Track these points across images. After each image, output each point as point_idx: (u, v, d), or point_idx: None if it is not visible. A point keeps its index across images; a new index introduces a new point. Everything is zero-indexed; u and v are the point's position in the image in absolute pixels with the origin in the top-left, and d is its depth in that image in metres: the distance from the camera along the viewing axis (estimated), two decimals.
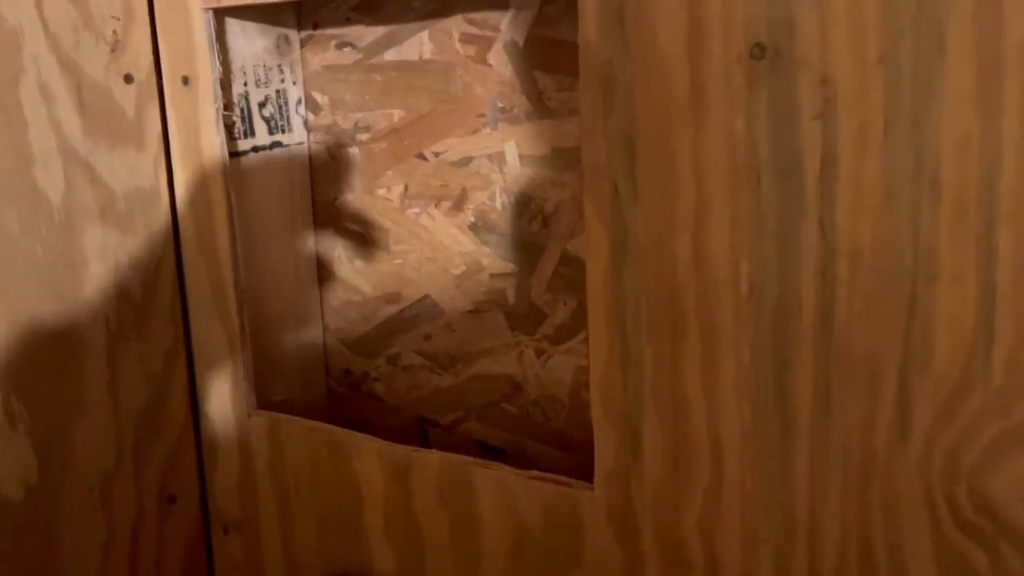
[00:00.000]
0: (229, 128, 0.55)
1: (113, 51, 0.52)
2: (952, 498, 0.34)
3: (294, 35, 0.59)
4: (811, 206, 0.35)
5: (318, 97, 0.60)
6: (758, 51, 0.35)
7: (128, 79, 0.53)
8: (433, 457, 0.49)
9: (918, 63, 0.32)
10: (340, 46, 0.58)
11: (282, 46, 0.59)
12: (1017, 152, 0.31)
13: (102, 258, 0.52)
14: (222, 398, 0.57)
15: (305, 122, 0.61)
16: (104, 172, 0.52)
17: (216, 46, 0.53)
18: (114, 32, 0.52)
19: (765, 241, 0.36)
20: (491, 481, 0.46)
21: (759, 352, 0.37)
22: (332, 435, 0.53)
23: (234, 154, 0.55)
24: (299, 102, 0.60)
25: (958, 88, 0.31)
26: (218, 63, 0.53)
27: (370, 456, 0.51)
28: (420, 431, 0.60)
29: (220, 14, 0.53)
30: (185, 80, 0.53)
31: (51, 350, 0.50)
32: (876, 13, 0.32)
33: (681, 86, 0.37)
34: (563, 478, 0.44)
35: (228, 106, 0.55)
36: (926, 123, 0.32)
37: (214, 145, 0.54)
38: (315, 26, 0.59)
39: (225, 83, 0.54)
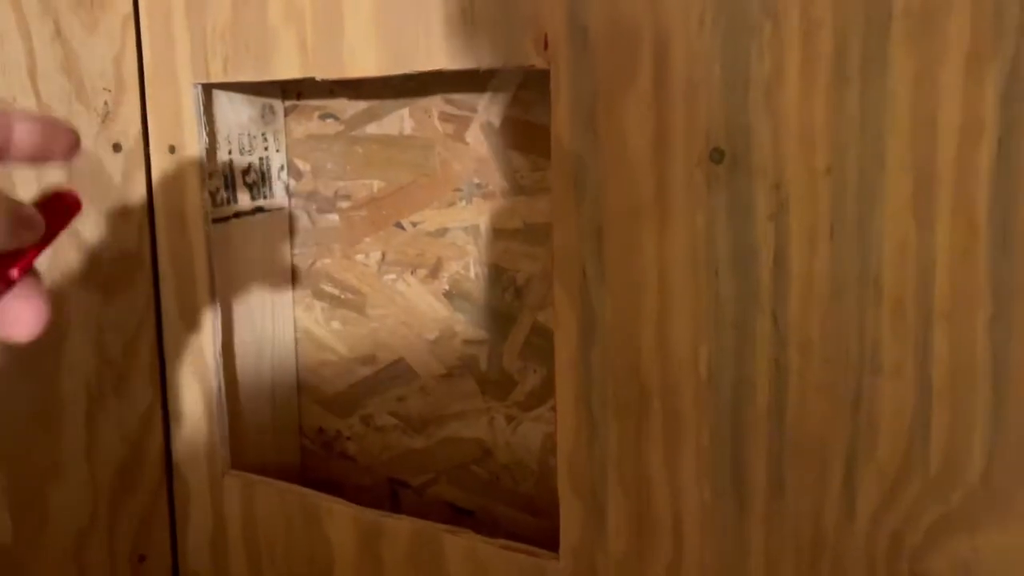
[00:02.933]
0: (212, 195, 0.57)
1: (103, 121, 0.53)
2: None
3: (279, 105, 0.62)
4: (765, 299, 0.37)
5: (300, 164, 0.62)
6: (717, 155, 0.38)
7: (116, 148, 0.54)
8: (404, 523, 0.50)
9: (862, 174, 0.35)
10: (323, 117, 0.61)
11: (267, 115, 0.61)
12: (950, 257, 0.34)
13: (85, 322, 0.53)
14: (197, 458, 0.58)
15: (287, 188, 0.63)
16: (90, 237, 0.53)
17: (203, 118, 0.55)
18: (105, 103, 0.53)
19: (723, 330, 0.38)
20: (460, 548, 0.48)
21: (717, 434, 0.39)
22: (305, 498, 0.54)
23: (216, 220, 0.57)
24: (281, 168, 0.62)
25: (897, 198, 0.34)
26: (205, 134, 0.55)
27: (342, 520, 0.52)
28: (391, 492, 0.62)
29: (208, 88, 0.55)
30: (172, 149, 0.55)
31: (31, 414, 0.51)
32: (824, 127, 0.35)
33: (647, 184, 0.39)
34: (531, 548, 0.46)
35: (212, 174, 0.56)
36: (869, 228, 0.35)
37: (197, 212, 0.55)
38: (299, 96, 0.61)
39: (210, 152, 0.56)
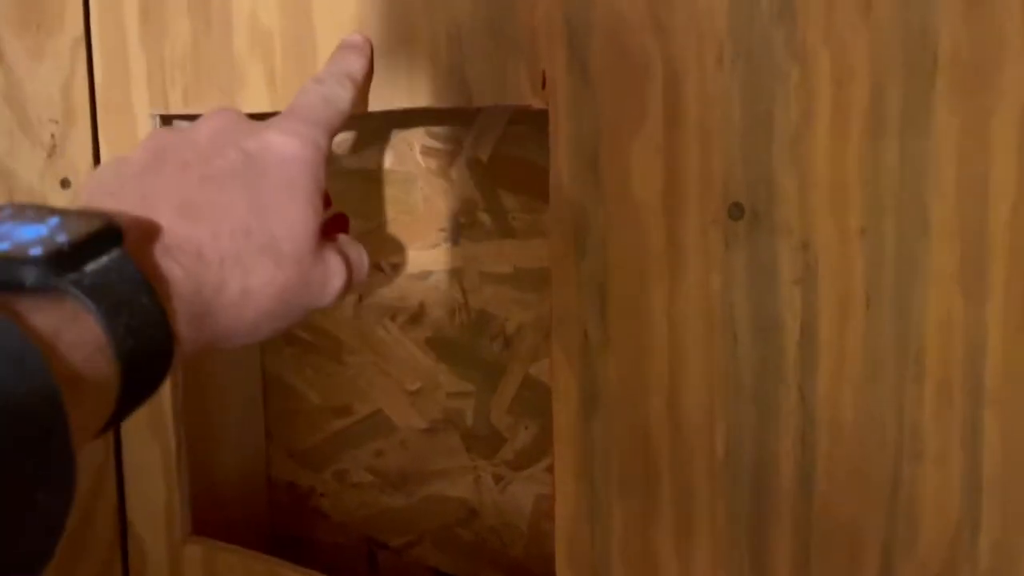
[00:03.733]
0: None
1: (50, 156, 0.48)
2: None
3: None
4: (790, 372, 0.34)
5: None
6: (736, 211, 0.34)
7: (64, 184, 0.49)
8: None
9: (901, 237, 0.31)
10: None
11: None
12: (1003, 335, 0.30)
13: None
14: (154, 522, 0.53)
15: None
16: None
17: None
18: (52, 136, 0.48)
19: (743, 403, 0.35)
20: None
21: (735, 517, 0.35)
22: (272, 567, 0.49)
23: None
24: None
25: (942, 267, 0.31)
26: None
27: None
28: (368, 553, 0.57)
29: (168, 119, 0.50)
30: None
31: None
32: (858, 184, 0.32)
33: (656, 239, 0.35)
34: None
35: None
36: (910, 299, 0.31)
37: None
38: None
39: None
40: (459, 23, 0.38)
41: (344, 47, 0.32)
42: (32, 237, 0.21)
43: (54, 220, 0.22)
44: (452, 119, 0.50)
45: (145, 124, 0.49)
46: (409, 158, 0.52)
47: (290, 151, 0.27)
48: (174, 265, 0.23)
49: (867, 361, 0.32)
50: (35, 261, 0.20)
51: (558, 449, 0.39)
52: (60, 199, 0.49)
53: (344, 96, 0.30)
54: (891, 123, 0.31)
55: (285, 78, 0.44)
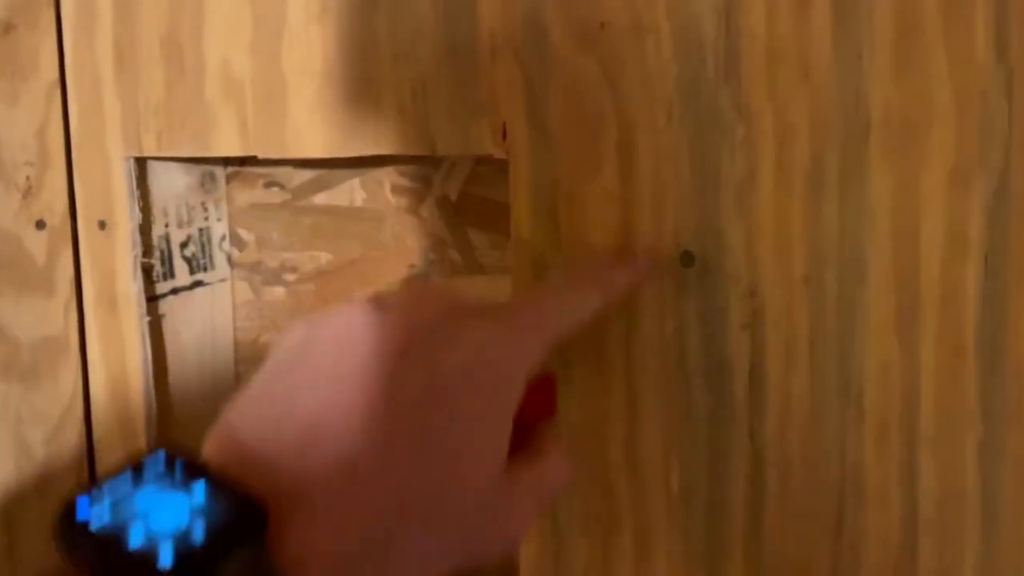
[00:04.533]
0: (147, 271, 0.53)
1: (25, 198, 0.49)
2: None
3: (220, 172, 0.58)
4: (740, 414, 0.35)
5: (243, 234, 0.58)
6: (687, 259, 0.35)
7: (40, 225, 0.50)
8: None
9: (842, 286, 0.33)
10: (268, 185, 0.57)
11: (207, 183, 0.57)
12: (935, 380, 0.32)
13: (3, 414, 0.49)
14: None
15: (229, 258, 0.59)
16: (9, 323, 0.49)
17: (136, 192, 0.51)
18: (27, 178, 0.49)
19: (696, 444, 0.36)
20: None
21: (691, 553, 0.37)
22: None
23: (151, 298, 0.53)
24: (223, 239, 0.58)
25: (880, 314, 0.32)
26: (138, 209, 0.51)
27: None
28: None
29: (142, 160, 0.51)
30: (102, 225, 0.51)
31: None
32: (801, 235, 0.33)
33: None
34: None
35: (148, 250, 0.53)
36: (851, 345, 0.33)
37: (130, 291, 0.51)
38: (242, 163, 0.58)
39: (145, 226, 0.52)
40: (424, 78, 0.40)
41: (622, 262, 0.30)
42: (169, 528, 0.19)
43: (199, 493, 0.20)
44: (421, 159, 0.52)
45: (119, 167, 0.50)
46: (380, 196, 0.53)
47: (501, 364, 0.23)
48: (323, 552, 0.20)
49: (812, 403, 0.34)
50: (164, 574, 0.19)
51: None
52: (35, 239, 0.50)
53: (589, 306, 0.28)
54: (830, 178, 0.33)
55: (256, 124, 0.45)
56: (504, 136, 0.39)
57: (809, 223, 0.33)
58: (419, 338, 0.23)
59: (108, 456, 0.53)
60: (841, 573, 0.34)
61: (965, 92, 0.30)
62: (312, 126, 0.43)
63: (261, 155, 0.45)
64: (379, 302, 0.24)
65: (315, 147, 0.44)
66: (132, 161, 0.50)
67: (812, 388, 0.34)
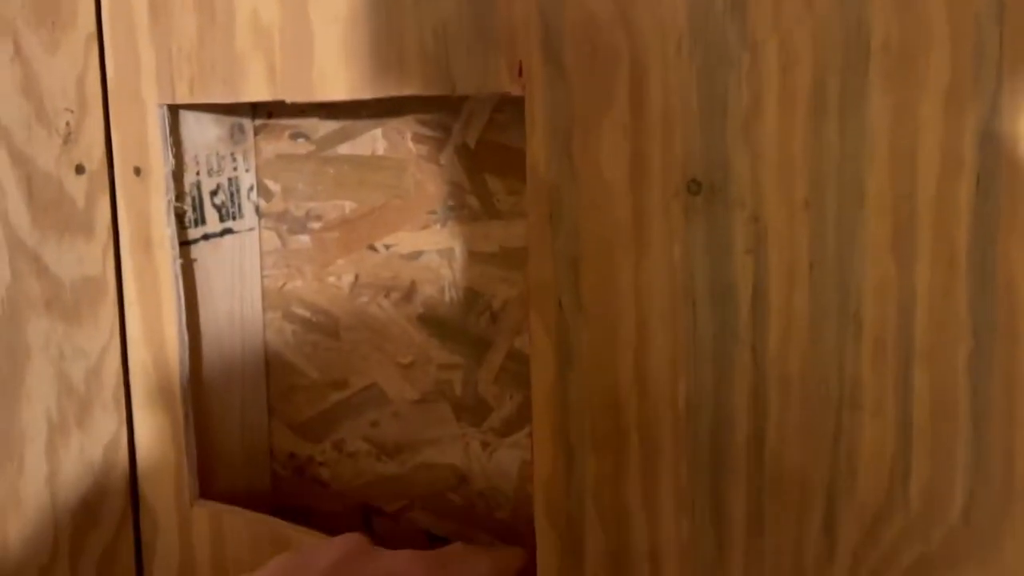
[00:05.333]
0: (180, 217, 0.55)
1: (65, 143, 0.52)
2: None
3: (248, 124, 0.60)
4: (744, 333, 0.37)
5: (271, 184, 0.61)
6: (695, 187, 0.37)
7: (79, 170, 0.53)
8: None
9: (841, 209, 0.34)
10: (294, 136, 0.59)
11: (236, 135, 0.59)
12: (930, 296, 0.33)
13: (46, 349, 0.52)
14: (164, 488, 0.56)
15: (257, 208, 0.61)
16: (51, 263, 0.52)
17: (170, 139, 0.53)
18: (67, 124, 0.52)
19: (701, 363, 0.38)
20: None
21: (696, 468, 0.39)
22: (275, 528, 0.53)
23: (184, 242, 0.56)
24: (251, 189, 0.61)
25: (877, 234, 0.34)
26: (171, 155, 0.53)
27: None
28: (364, 518, 0.60)
29: (175, 108, 0.53)
30: (137, 171, 0.54)
31: None
32: (802, 161, 0.35)
33: (623, 215, 0.39)
34: None
35: (180, 196, 0.55)
36: (849, 264, 0.34)
37: (164, 235, 0.54)
38: (269, 116, 0.60)
39: (177, 173, 0.55)
40: (444, 20, 0.42)
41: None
42: None
43: None
44: (441, 108, 0.53)
45: (154, 114, 0.52)
46: (401, 145, 0.55)
47: None
48: None
49: (812, 321, 0.35)
50: None
51: (536, 410, 0.42)
52: (75, 183, 0.53)
53: None
54: (831, 105, 0.34)
55: (284, 70, 0.47)
56: (520, 73, 0.40)
57: (810, 149, 0.35)
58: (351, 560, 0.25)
59: (143, 391, 0.56)
60: (838, 482, 0.36)
61: (960, 17, 0.31)
62: (337, 70, 0.45)
63: (289, 99, 0.48)
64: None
65: (340, 90, 0.46)
66: (165, 109, 0.52)
67: (812, 307, 0.35)
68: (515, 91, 0.41)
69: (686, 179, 0.37)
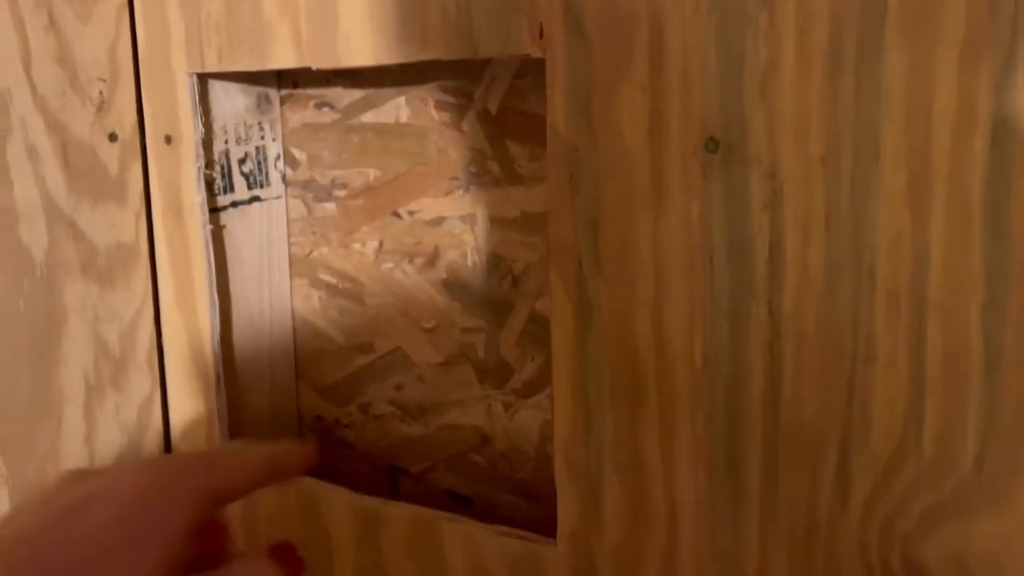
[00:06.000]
0: (209, 184, 0.57)
1: (99, 111, 0.53)
2: (887, 564, 0.36)
3: (274, 94, 0.61)
4: (760, 289, 0.38)
5: (297, 153, 0.62)
6: (712, 145, 0.38)
7: (112, 138, 0.54)
8: (402, 510, 0.50)
9: (857, 164, 0.35)
10: (319, 106, 0.61)
11: (263, 104, 0.61)
12: (945, 249, 0.34)
13: (81, 312, 0.53)
14: (196, 447, 0.58)
15: (283, 177, 0.63)
16: (86, 228, 0.53)
17: (199, 107, 0.54)
18: (100, 93, 0.53)
19: (718, 319, 0.39)
20: (459, 535, 0.48)
21: (713, 422, 0.40)
22: (303, 485, 0.54)
23: (213, 209, 0.57)
24: (278, 158, 0.62)
25: (892, 188, 0.34)
26: (200, 124, 0.55)
27: (341, 507, 0.53)
28: (389, 479, 0.62)
29: (204, 77, 0.55)
30: (168, 139, 0.55)
31: (30, 404, 0.51)
32: (819, 117, 0.35)
33: (642, 173, 0.39)
34: (528, 534, 0.46)
35: (209, 164, 0.56)
36: (864, 218, 0.35)
37: (194, 201, 0.55)
38: (295, 85, 0.61)
39: (207, 141, 0.56)
40: None
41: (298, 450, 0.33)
42: None
43: None
44: (463, 75, 0.54)
45: (183, 82, 0.54)
46: (424, 113, 0.56)
47: (120, 489, 0.25)
48: None
49: (827, 276, 0.36)
50: None
51: (556, 368, 0.43)
52: (108, 151, 0.54)
53: (252, 469, 0.30)
54: (847, 61, 0.35)
55: (310, 37, 0.48)
56: (541, 35, 0.41)
57: (827, 105, 0.35)
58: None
59: (176, 353, 0.58)
60: (852, 435, 0.37)
61: None
62: (362, 36, 0.46)
63: (315, 66, 0.49)
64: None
65: (365, 56, 0.47)
66: (195, 77, 0.54)
67: (827, 262, 0.36)
68: (536, 53, 0.41)
69: (704, 137, 0.38)
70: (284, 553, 0.34)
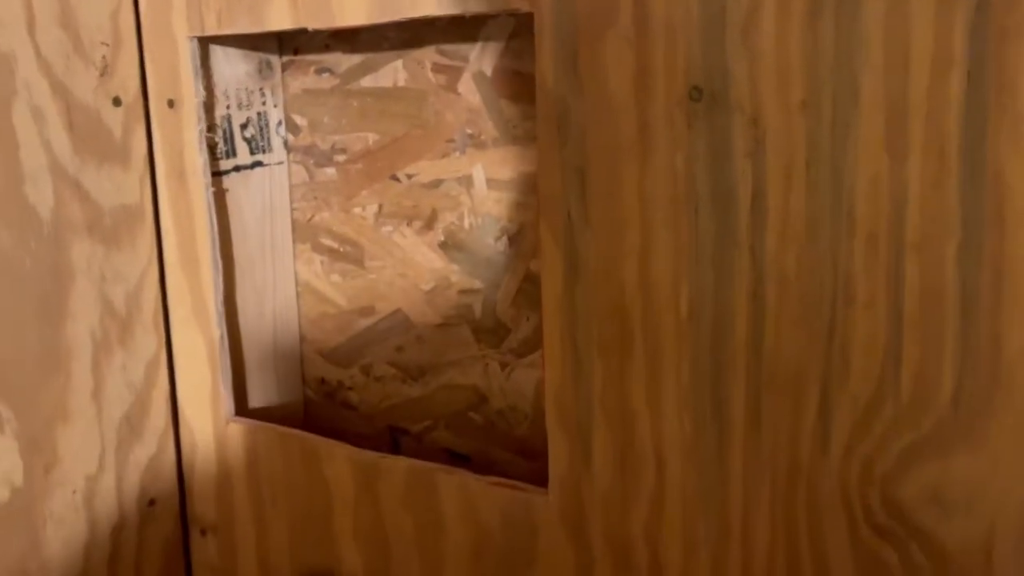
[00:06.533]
0: (212, 148, 0.58)
1: (102, 75, 0.54)
2: (867, 503, 0.37)
3: (276, 60, 0.62)
4: (743, 235, 0.38)
5: (297, 119, 0.63)
6: (696, 94, 0.38)
7: (116, 102, 0.55)
8: (400, 463, 0.51)
9: (836, 108, 0.35)
10: (319, 71, 0.61)
11: (264, 70, 0.62)
12: (921, 190, 0.34)
13: (88, 271, 0.55)
14: (202, 406, 0.59)
15: (285, 143, 0.64)
16: (91, 189, 0.55)
17: (200, 72, 0.55)
18: (103, 57, 0.54)
19: (703, 267, 0.39)
20: (454, 486, 0.49)
21: (698, 368, 0.40)
22: (304, 441, 0.56)
23: (216, 173, 0.58)
24: (279, 124, 0.63)
25: (871, 132, 0.35)
26: (202, 88, 0.56)
27: (340, 462, 0.54)
28: (391, 439, 0.63)
29: (204, 42, 0.56)
30: (170, 103, 0.56)
31: (39, 359, 0.53)
32: (799, 63, 0.36)
33: (628, 123, 0.40)
34: (520, 483, 0.47)
35: (211, 128, 0.58)
36: (843, 163, 0.36)
37: (197, 165, 0.57)
38: (296, 52, 0.62)
39: (208, 106, 0.57)
40: None
41: None
42: None
43: None
44: (459, 37, 0.55)
45: (185, 47, 0.55)
46: (421, 76, 0.57)
47: None
48: None
49: (808, 220, 0.37)
50: None
51: (546, 319, 0.44)
52: (112, 115, 0.55)
53: None
54: (827, 7, 0.35)
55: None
56: None
57: (807, 52, 0.36)
58: None
59: (181, 314, 0.59)
60: (832, 376, 0.37)
61: None
62: None
63: (311, 27, 0.49)
64: None
65: (359, 14, 0.47)
66: (196, 41, 0.55)
67: (808, 207, 0.37)
68: (524, 7, 0.42)
69: (688, 87, 0.38)
70: None
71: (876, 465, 0.37)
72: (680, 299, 0.40)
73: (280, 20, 0.50)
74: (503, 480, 0.48)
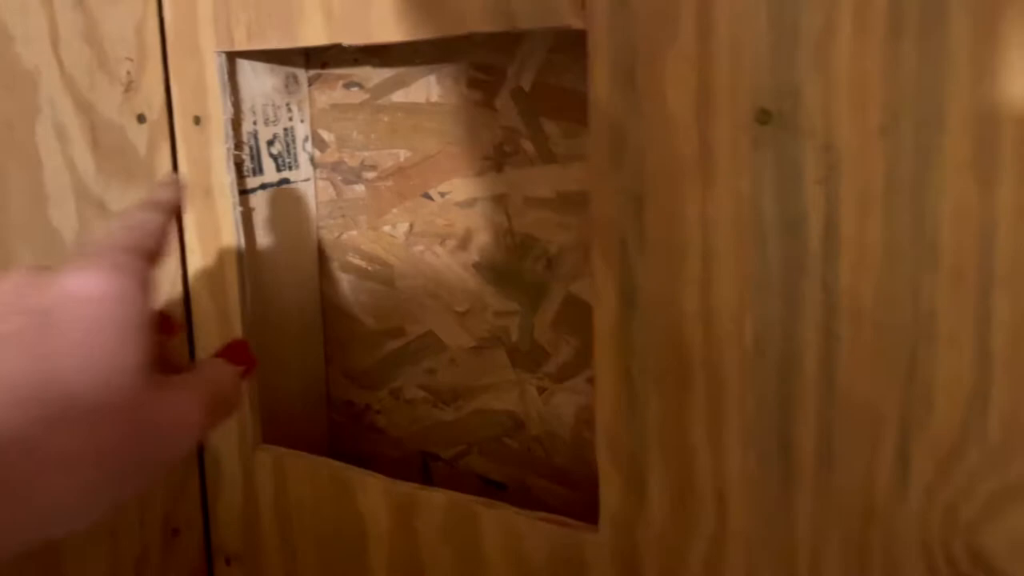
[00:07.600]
0: (238, 166, 0.56)
1: (127, 91, 0.52)
2: (949, 552, 0.35)
3: (302, 74, 0.60)
4: (814, 266, 0.36)
5: (325, 135, 0.61)
6: (763, 116, 0.36)
7: (141, 119, 0.53)
8: (438, 496, 0.49)
9: (918, 134, 0.33)
10: (348, 86, 0.59)
11: (291, 85, 0.60)
12: (1013, 219, 0.32)
13: None
14: (227, 432, 0.57)
15: (312, 159, 0.62)
16: (116, 209, 0.52)
17: (228, 87, 0.53)
18: (128, 73, 0.52)
19: (770, 298, 0.37)
20: (496, 521, 0.47)
21: (763, 404, 0.38)
22: (336, 471, 0.54)
23: (243, 191, 0.56)
24: (306, 140, 0.61)
25: (957, 158, 0.33)
26: (230, 104, 0.54)
27: (375, 493, 0.52)
28: (422, 464, 0.61)
29: (232, 56, 0.54)
30: (197, 120, 0.54)
31: None
32: (878, 85, 0.34)
33: (689, 147, 0.38)
34: (568, 520, 0.45)
35: (238, 145, 0.56)
36: (926, 191, 0.33)
37: (224, 183, 0.55)
38: (323, 65, 0.60)
39: (235, 122, 0.55)
40: None
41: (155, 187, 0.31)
42: None
43: None
44: (496, 51, 0.53)
45: (212, 62, 0.53)
46: (455, 91, 0.55)
47: (90, 290, 0.24)
48: None
49: (886, 251, 0.35)
50: None
51: (598, 350, 0.42)
52: (137, 133, 0.53)
53: (152, 218, 0.29)
54: (909, 25, 0.33)
55: (341, 12, 0.47)
56: (583, 5, 0.40)
57: (887, 73, 0.34)
58: (13, 290, 0.25)
59: (205, 335, 0.57)
60: (912, 418, 0.35)
61: None
62: (395, 10, 0.45)
63: (346, 42, 0.47)
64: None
65: (398, 31, 0.45)
66: (223, 56, 0.53)
67: (886, 237, 0.34)
68: (577, 24, 0.40)
69: (754, 109, 0.36)
70: (237, 351, 0.35)
71: (960, 511, 0.35)
72: (744, 330, 0.38)
73: (315, 36, 0.48)
74: (550, 515, 0.46)
